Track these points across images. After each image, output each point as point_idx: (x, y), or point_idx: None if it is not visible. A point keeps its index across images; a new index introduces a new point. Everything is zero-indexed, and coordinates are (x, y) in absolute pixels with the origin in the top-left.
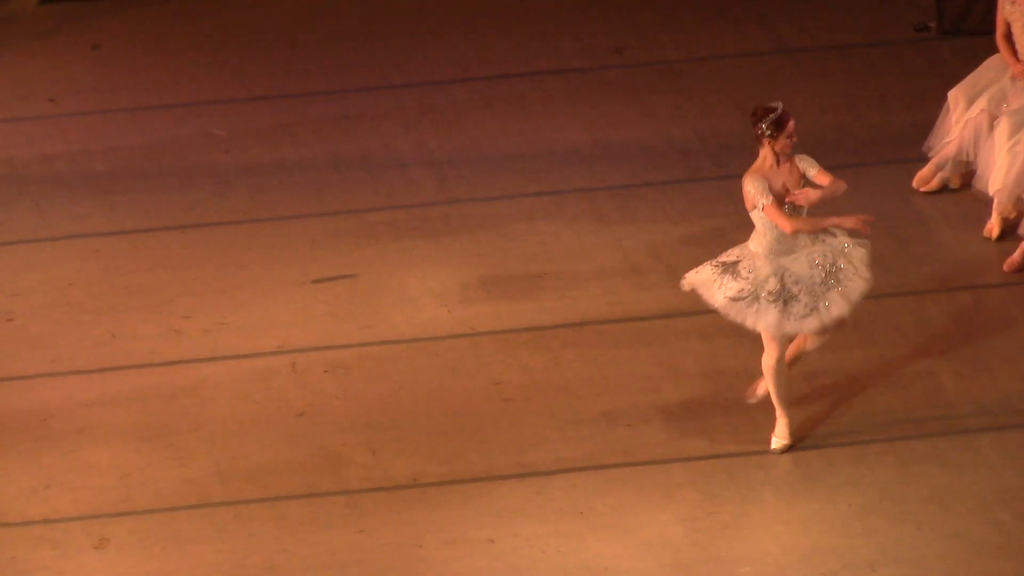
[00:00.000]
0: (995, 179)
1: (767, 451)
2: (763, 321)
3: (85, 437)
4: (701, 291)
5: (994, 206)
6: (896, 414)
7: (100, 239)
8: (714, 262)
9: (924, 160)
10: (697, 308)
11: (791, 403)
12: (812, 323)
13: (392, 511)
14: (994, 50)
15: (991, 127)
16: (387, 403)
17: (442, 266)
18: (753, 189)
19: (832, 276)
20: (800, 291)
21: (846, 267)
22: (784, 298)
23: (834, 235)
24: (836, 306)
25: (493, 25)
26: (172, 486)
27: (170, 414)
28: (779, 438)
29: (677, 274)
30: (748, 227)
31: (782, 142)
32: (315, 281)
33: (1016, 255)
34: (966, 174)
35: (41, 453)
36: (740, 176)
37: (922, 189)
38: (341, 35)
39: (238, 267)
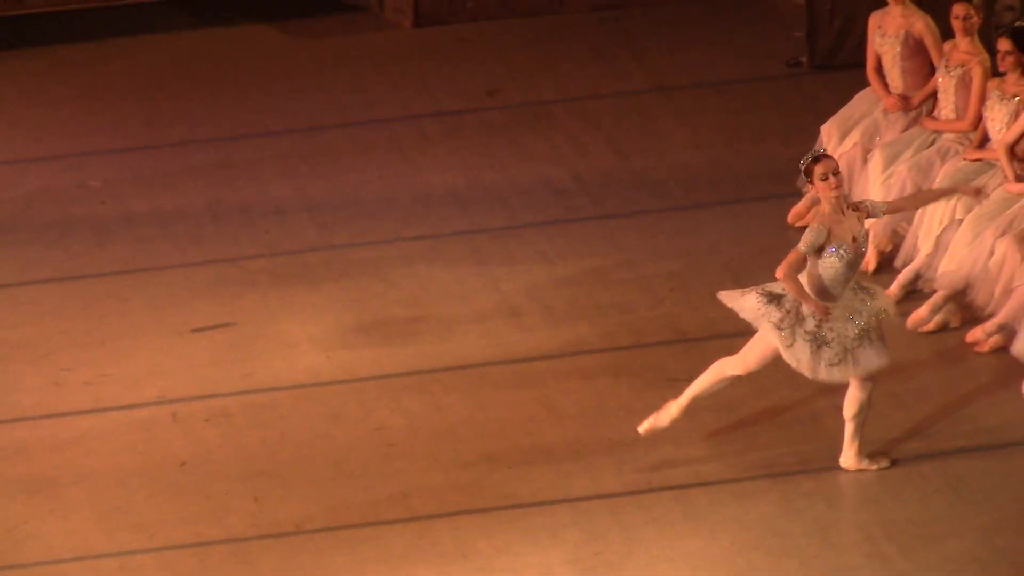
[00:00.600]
0: None
1: (650, 490)
2: (795, 357)
3: None
4: (744, 315)
5: (870, 239)
6: (779, 449)
7: None
8: (759, 290)
9: (799, 195)
10: (577, 348)
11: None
12: (839, 374)
13: (279, 558)
14: (865, 83)
15: (865, 160)
16: (270, 450)
17: (322, 312)
18: (806, 234)
19: (865, 335)
20: (833, 339)
21: (875, 332)
22: (818, 341)
23: (873, 296)
24: (866, 361)
25: (370, 70)
26: (58, 539)
27: (54, 466)
28: (659, 418)
29: (556, 315)
30: (628, 267)
31: (818, 185)
32: (195, 330)
33: (893, 288)
34: None
35: None
36: (618, 216)
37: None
38: (218, 84)
39: (118, 317)
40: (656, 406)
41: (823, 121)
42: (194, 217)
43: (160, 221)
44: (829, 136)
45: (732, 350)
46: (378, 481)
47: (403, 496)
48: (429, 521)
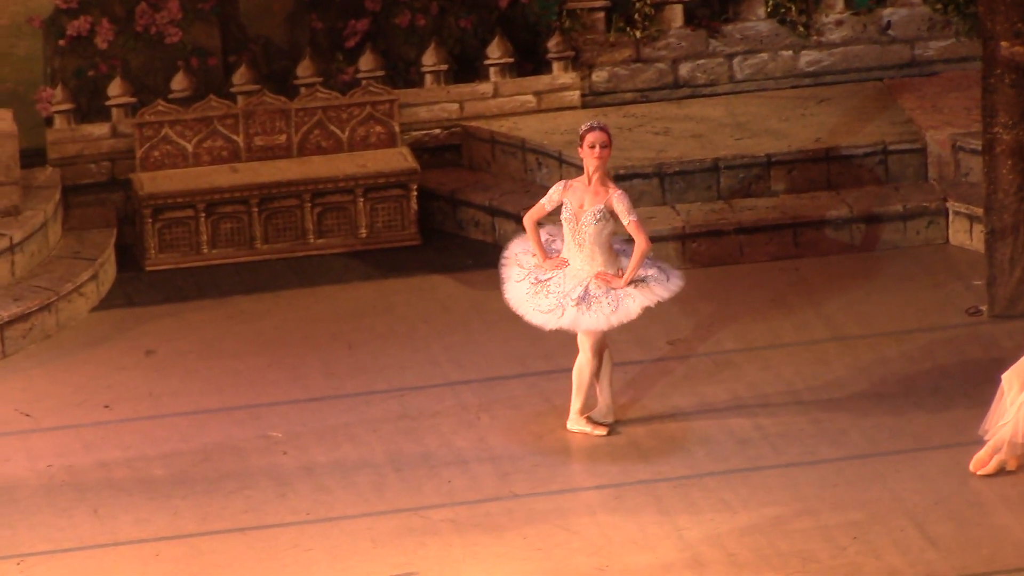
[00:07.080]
0: None
1: None
2: (511, 294)
3: None
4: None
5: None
6: None
7: (161, 543)
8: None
9: (981, 443)
10: None
11: None
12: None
13: None
14: None
15: None
16: None
17: (506, 561)
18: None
19: (584, 299)
20: (554, 291)
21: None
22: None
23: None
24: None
25: None
26: None
27: None
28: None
29: (738, 564)
30: (809, 516)
31: (585, 151)
32: None
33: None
34: (1023, 456)
35: None
36: (799, 464)
37: (980, 472)
38: (396, 335)
39: (300, 568)
40: None
41: (1003, 369)
42: (376, 467)
43: (342, 471)
44: (1010, 385)
45: None
46: None
47: None
48: None
